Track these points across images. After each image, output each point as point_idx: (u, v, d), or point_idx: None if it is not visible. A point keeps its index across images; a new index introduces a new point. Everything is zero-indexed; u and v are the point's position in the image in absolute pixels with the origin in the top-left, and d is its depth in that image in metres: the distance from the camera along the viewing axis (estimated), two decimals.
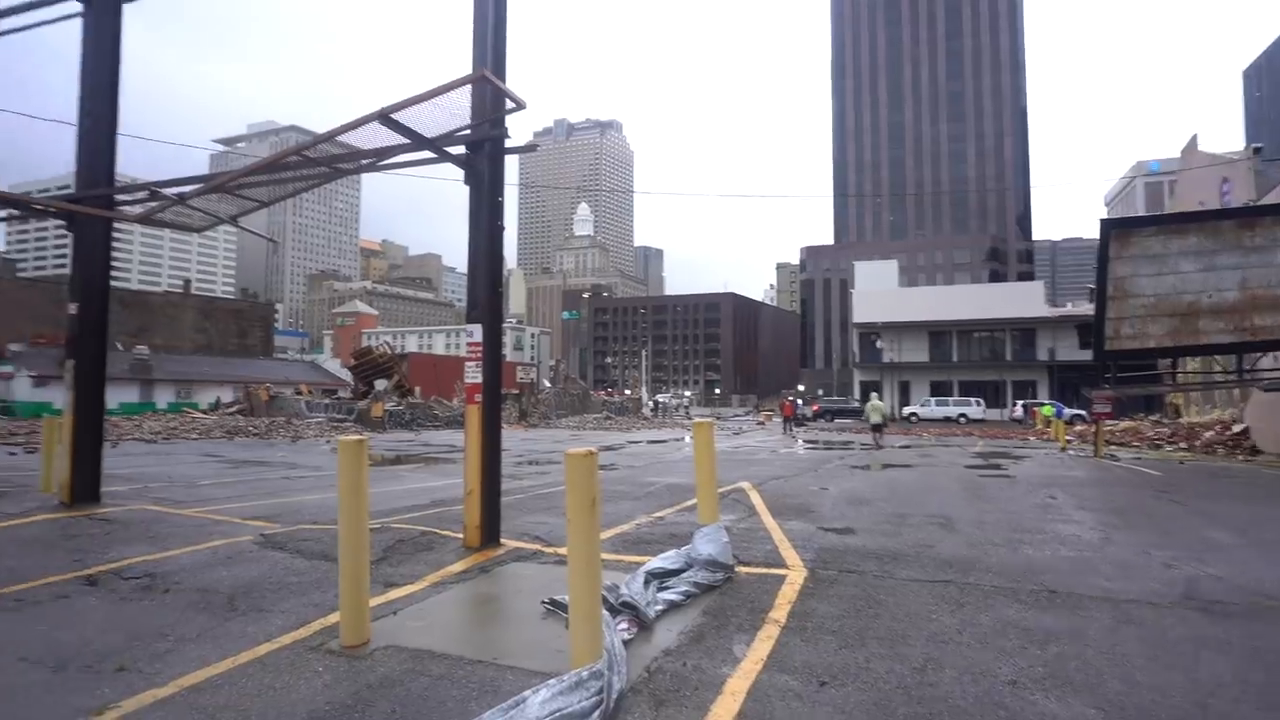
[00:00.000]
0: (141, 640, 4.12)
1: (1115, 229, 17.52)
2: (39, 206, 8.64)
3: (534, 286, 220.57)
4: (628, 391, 63.24)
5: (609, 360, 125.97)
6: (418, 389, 42.47)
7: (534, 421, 39.65)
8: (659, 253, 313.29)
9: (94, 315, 8.84)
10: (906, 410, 47.06)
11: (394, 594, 5.03)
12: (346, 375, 48.41)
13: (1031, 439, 28.29)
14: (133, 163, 9.09)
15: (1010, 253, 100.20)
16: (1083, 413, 35.52)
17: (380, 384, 36.25)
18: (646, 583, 4.93)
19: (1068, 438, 24.91)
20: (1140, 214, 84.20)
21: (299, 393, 39.46)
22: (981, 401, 45.40)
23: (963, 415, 43.81)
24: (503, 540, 6.69)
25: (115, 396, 30.71)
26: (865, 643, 4.05)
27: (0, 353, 39.88)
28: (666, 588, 5.04)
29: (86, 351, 8.79)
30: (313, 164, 6.28)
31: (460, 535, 6.70)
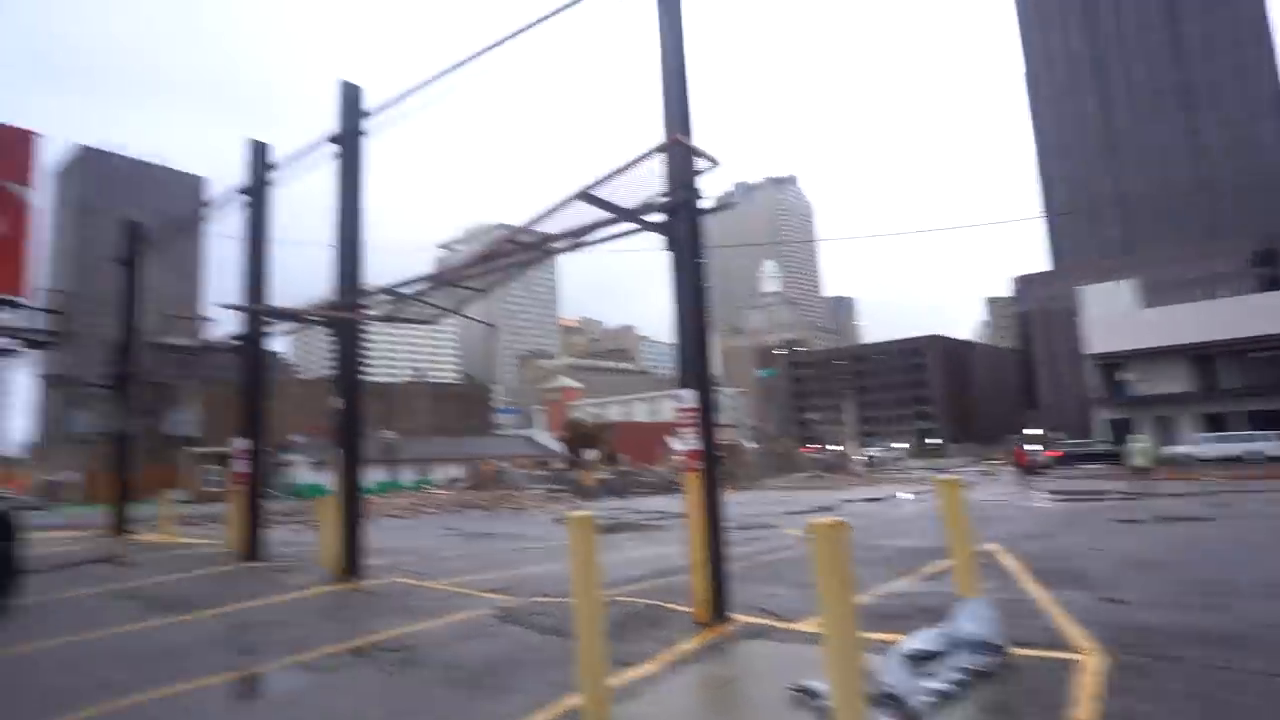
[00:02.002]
0: (400, 717, 4.26)
1: None
2: (309, 317, 10.12)
3: (725, 347, 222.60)
4: (834, 447, 60.52)
5: (811, 416, 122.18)
6: (624, 456, 43.80)
7: (742, 484, 39.04)
8: (849, 301, 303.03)
9: (352, 407, 10.01)
10: (1173, 450, 39.93)
11: (629, 675, 4.84)
12: (559, 447, 51.30)
13: None
14: (376, 275, 10.44)
15: None
16: None
17: (589, 453, 37.85)
18: (907, 668, 4.30)
19: None
20: None
21: (517, 466, 42.32)
22: None
23: (1255, 453, 36.19)
24: (732, 614, 6.31)
25: (370, 477, 35.02)
26: None
27: (286, 444, 47.32)
28: (929, 674, 4.36)
29: (347, 440, 9.95)
30: (524, 249, 6.68)
31: (687, 609, 6.43)
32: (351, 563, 9.76)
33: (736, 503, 25.36)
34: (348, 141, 10.49)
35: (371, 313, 9.61)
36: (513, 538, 15.99)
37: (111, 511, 17.63)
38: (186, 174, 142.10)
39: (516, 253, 6.72)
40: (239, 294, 12.23)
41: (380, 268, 10.57)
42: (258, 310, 11.53)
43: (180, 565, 11.65)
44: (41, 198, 17.23)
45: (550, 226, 6.79)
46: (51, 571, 10.66)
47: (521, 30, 7.77)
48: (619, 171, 5.50)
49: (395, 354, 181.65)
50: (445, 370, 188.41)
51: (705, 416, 6.26)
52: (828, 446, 64.13)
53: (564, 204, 5.68)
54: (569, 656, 5.30)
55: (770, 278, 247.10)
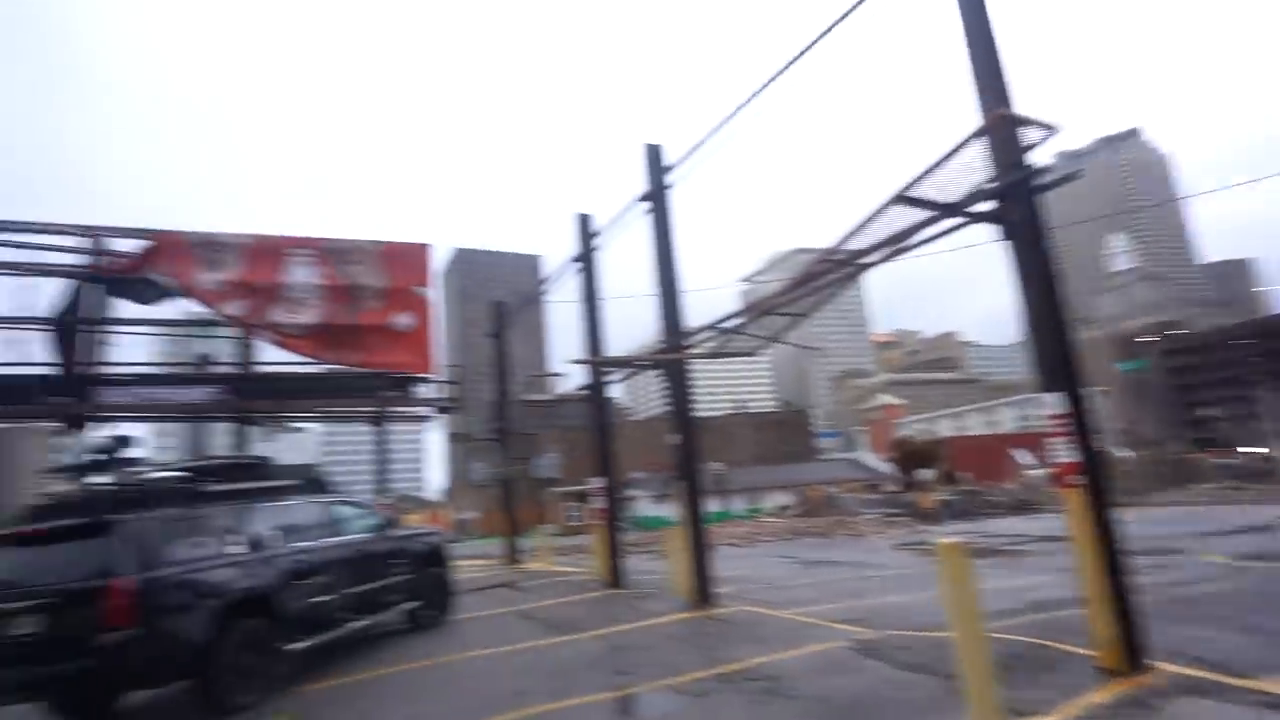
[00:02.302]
0: None
1: None
2: (642, 363, 11.08)
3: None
4: (1252, 449, 47.83)
5: (1209, 413, 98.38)
6: (964, 474, 39.84)
7: (1122, 500, 32.78)
8: (1243, 264, 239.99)
9: (688, 442, 10.62)
10: None
11: None
12: (887, 468, 48.66)
13: None
14: (691, 316, 11.11)
15: None
16: None
17: (924, 473, 35.16)
18: None
19: None
20: None
21: (847, 491, 41.01)
22: None
23: None
24: (1152, 662, 5.17)
25: (706, 507, 36.78)
26: None
27: (629, 480, 52.29)
28: None
29: (687, 473, 10.55)
30: (839, 265, 6.47)
31: (1085, 652, 5.44)
32: (703, 591, 10.22)
33: (1124, 522, 21.23)
34: (656, 197, 11.38)
35: (696, 351, 10.17)
36: (855, 565, 15.37)
37: (505, 543, 21.05)
38: (527, 255, 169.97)
39: (831, 271, 6.54)
40: (580, 349, 13.89)
41: (692, 308, 11.19)
42: (599, 362, 12.95)
43: (559, 591, 13.35)
44: (434, 294, 21.68)
45: (862, 240, 6.49)
46: (469, 593, 12.98)
47: (803, 52, 7.71)
48: (936, 166, 5.04)
49: (715, 388, 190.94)
50: (762, 399, 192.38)
51: (1080, 421, 5.32)
52: (1240, 449, 50.83)
53: (879, 212, 5.38)
54: (945, 698, 4.81)
55: (1121, 254, 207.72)
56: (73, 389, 17.60)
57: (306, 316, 19.61)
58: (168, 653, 5.91)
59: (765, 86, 8.44)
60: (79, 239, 18.81)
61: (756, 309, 7.69)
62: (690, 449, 10.59)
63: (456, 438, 52.11)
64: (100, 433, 17.43)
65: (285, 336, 19.43)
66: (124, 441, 7.92)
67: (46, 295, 18.08)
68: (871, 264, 6.50)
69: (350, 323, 19.89)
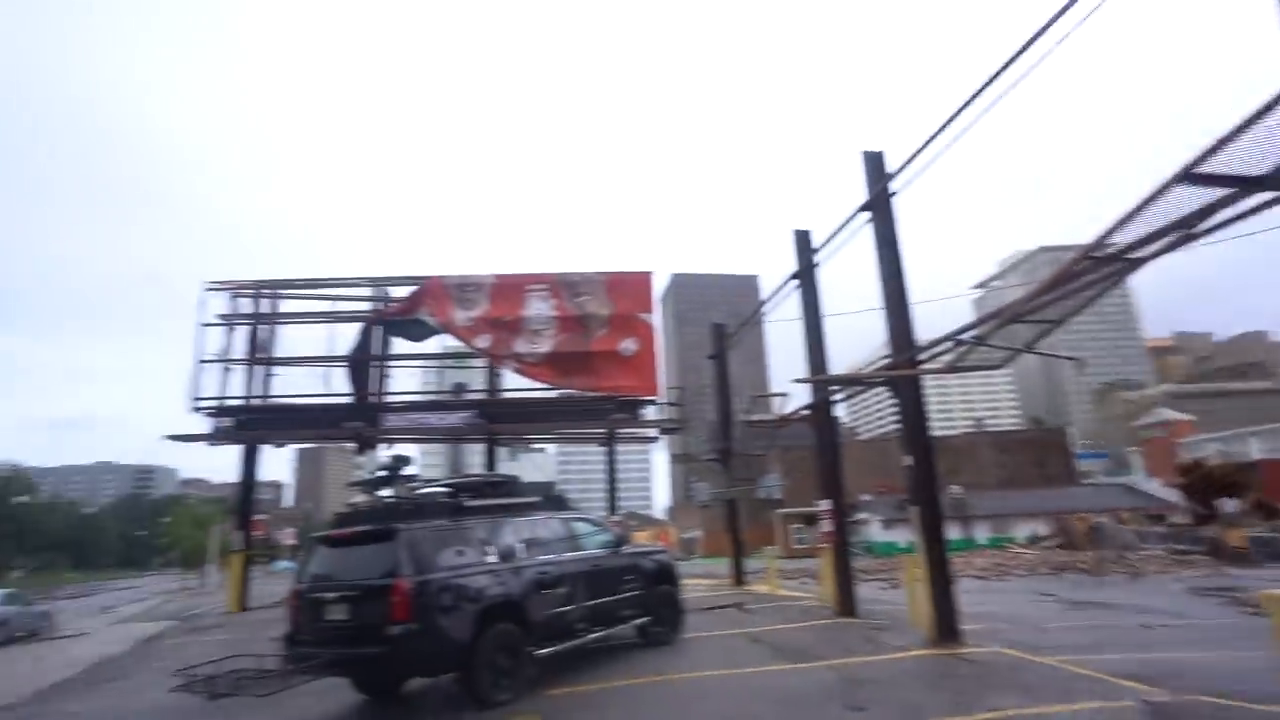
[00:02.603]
0: None
1: None
2: (868, 380, 10.51)
3: None
4: None
5: None
6: None
7: None
8: None
9: (924, 463, 9.85)
10: None
11: None
12: (1172, 496, 41.24)
13: None
14: (922, 329, 10.33)
15: None
16: None
17: (1227, 503, 29.26)
18: None
19: None
20: None
21: (1120, 521, 35.41)
22: None
23: None
24: None
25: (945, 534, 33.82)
26: None
27: (856, 502, 49.80)
28: None
29: (924, 497, 9.77)
30: (1105, 263, 5.60)
31: None
32: (947, 626, 9.35)
33: None
34: (879, 206, 10.82)
35: (931, 366, 9.43)
36: (1135, 610, 13.14)
37: (731, 564, 21.05)
38: (743, 276, 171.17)
39: (1094, 269, 5.68)
40: (802, 369, 13.56)
41: (919, 320, 10.40)
42: (825, 380, 12.54)
43: (787, 616, 13.00)
44: (656, 319, 22.56)
45: (1134, 231, 5.58)
46: (696, 612, 13.11)
47: (1036, 36, 6.86)
48: (1236, 133, 4.17)
49: (948, 405, 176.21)
50: (1004, 417, 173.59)
51: None
52: None
53: (1157, 195, 4.57)
54: None
55: None
56: (365, 415, 20.94)
57: (544, 346, 21.50)
58: (438, 647, 6.67)
59: (995, 78, 7.66)
60: (368, 289, 22.50)
61: (1002, 316, 6.91)
62: (927, 470, 9.81)
63: (679, 458, 53.49)
64: (385, 452, 20.48)
65: (526, 365, 21.44)
66: (403, 460, 9.17)
67: (344, 337, 21.86)
68: (1148, 257, 5.55)
69: (582, 350, 21.43)
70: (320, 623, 6.90)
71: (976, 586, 20.42)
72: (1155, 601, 14.53)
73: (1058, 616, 12.64)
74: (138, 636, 15.94)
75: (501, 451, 24.10)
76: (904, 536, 44.74)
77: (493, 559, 7.51)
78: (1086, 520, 32.84)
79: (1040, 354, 8.25)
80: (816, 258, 13.60)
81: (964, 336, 7.65)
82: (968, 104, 8.13)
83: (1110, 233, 5.16)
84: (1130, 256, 5.75)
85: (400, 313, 21.88)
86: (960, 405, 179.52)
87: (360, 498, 8.54)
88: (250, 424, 20.46)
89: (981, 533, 45.30)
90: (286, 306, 22.15)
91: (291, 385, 21.44)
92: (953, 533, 43.71)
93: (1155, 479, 52.15)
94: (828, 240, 12.86)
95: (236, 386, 20.60)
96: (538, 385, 22.03)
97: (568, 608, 8.12)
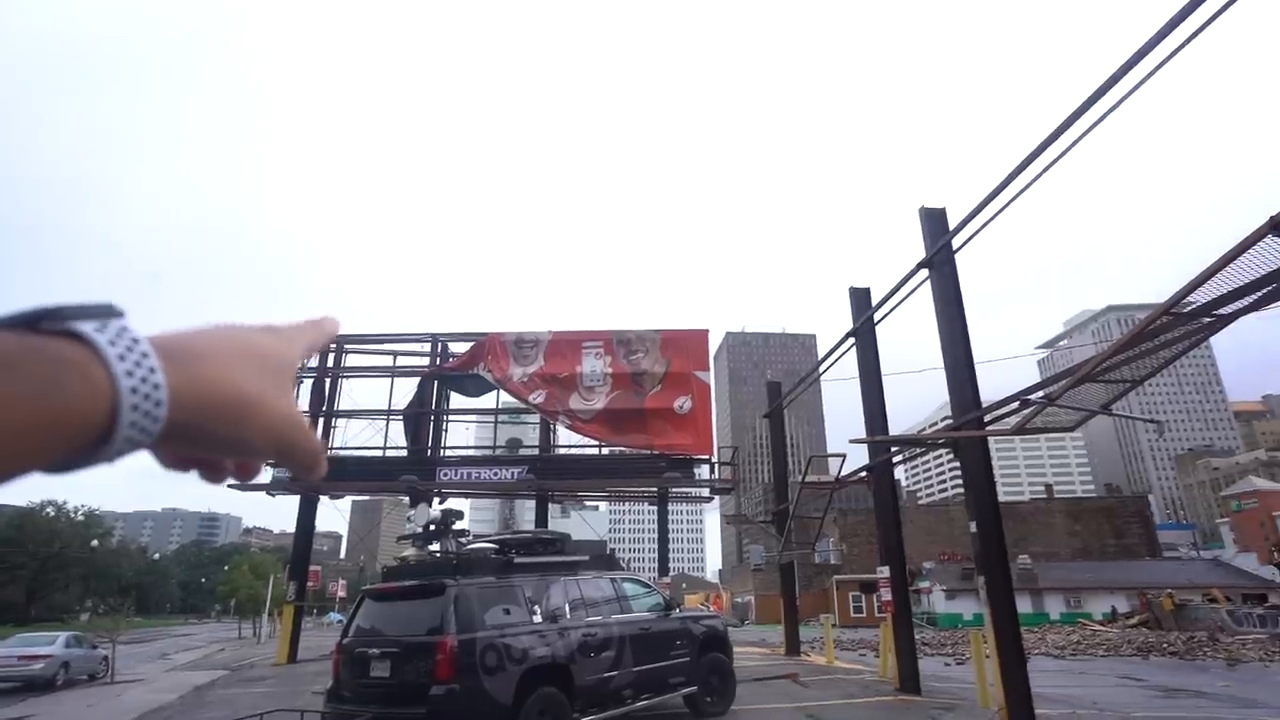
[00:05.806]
0: None
1: None
2: (931, 440, 10.09)
3: None
4: None
5: None
6: None
7: None
8: None
9: (991, 530, 9.31)
10: None
11: None
12: (1268, 573, 38.06)
13: None
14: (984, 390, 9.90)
15: None
16: None
17: None
18: None
19: None
20: None
21: (1211, 600, 32.77)
22: None
23: None
24: None
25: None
26: None
27: (917, 570, 47.50)
28: None
29: (992, 566, 9.20)
30: (1186, 319, 5.28)
31: None
32: (1021, 710, 8.65)
33: None
34: (939, 263, 10.60)
35: (998, 427, 9.00)
36: (1234, 703, 11.95)
37: (784, 632, 20.17)
38: (799, 334, 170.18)
39: (1175, 326, 5.35)
40: (859, 429, 13.14)
41: (982, 381, 9.98)
42: (886, 441, 12.12)
43: (845, 690, 12.29)
44: (711, 377, 22.39)
45: (1218, 286, 5.26)
46: (748, 682, 12.49)
47: (1099, 94, 6.71)
48: None
49: (1014, 469, 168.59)
50: (1072, 483, 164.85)
51: None
52: None
53: (1244, 247, 4.31)
54: None
55: None
56: (420, 468, 21.20)
57: (597, 402, 21.55)
58: (480, 708, 6.47)
59: (1060, 132, 7.51)
60: (428, 344, 23.09)
61: (1075, 376, 6.55)
62: (995, 537, 9.26)
63: (732, 519, 52.31)
64: (437, 506, 20.62)
65: (579, 421, 21.48)
66: (454, 515, 9.14)
67: (402, 391, 22.37)
68: (1234, 315, 5.21)
69: (636, 407, 21.39)
70: (363, 679, 6.80)
71: (1053, 666, 19.01)
72: (1257, 692, 13.21)
73: (1145, 704, 11.58)
74: (190, 685, 16.11)
75: (553, 507, 23.98)
76: (969, 608, 42.36)
77: (539, 618, 7.33)
78: (1173, 597, 30.49)
79: (1117, 415, 7.78)
80: (875, 315, 13.35)
81: (1033, 397, 7.28)
82: (1028, 162, 7.97)
83: (1193, 287, 4.86)
84: (1219, 313, 5.41)
85: (458, 368, 22.33)
86: (1029, 470, 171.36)
87: (410, 551, 8.52)
88: None
89: (1054, 606, 42.52)
90: (349, 360, 22.85)
91: (350, 437, 21.92)
92: (1022, 605, 41.18)
93: (1249, 553, 48.30)
94: (885, 298, 12.63)
95: None
96: (591, 441, 22.00)
97: (614, 673, 7.83)
